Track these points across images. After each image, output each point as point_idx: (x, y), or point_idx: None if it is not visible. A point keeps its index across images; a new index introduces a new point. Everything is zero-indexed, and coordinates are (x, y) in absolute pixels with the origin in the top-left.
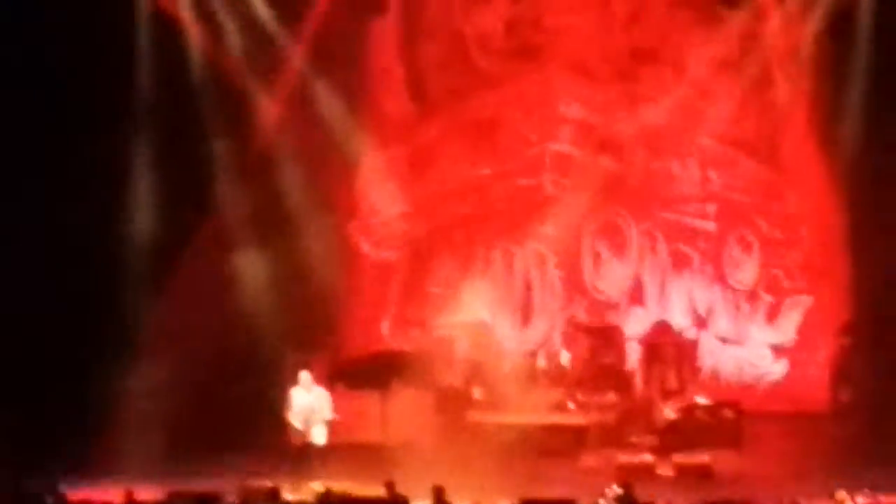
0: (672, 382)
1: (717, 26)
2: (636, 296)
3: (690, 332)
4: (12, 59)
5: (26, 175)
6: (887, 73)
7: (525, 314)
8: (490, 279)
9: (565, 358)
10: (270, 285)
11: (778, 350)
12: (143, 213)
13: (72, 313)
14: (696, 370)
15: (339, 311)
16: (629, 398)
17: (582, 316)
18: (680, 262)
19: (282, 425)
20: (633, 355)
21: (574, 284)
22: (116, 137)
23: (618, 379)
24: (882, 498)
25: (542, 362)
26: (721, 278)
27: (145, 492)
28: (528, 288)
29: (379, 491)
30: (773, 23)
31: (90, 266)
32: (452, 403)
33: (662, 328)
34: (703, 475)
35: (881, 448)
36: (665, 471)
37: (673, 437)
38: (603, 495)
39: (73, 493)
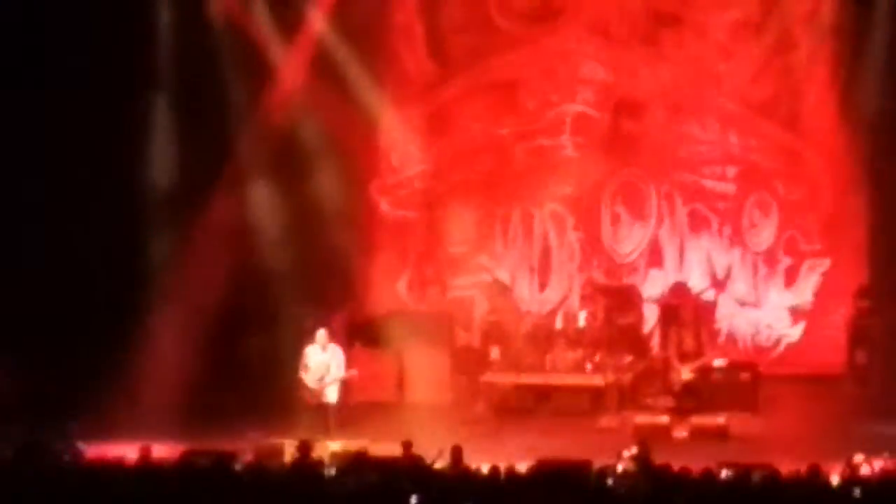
0: (689, 344)
1: None
2: (654, 257)
3: (708, 294)
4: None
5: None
6: None
7: (543, 275)
8: (509, 239)
9: (583, 319)
10: (289, 243)
11: (795, 312)
12: (162, 173)
13: (88, 271)
14: (713, 332)
15: (357, 270)
16: (646, 359)
17: (600, 277)
18: (698, 224)
19: (296, 384)
20: (651, 317)
21: (592, 245)
22: (138, 98)
23: (635, 340)
24: None
25: (559, 323)
26: (739, 240)
27: (161, 449)
28: (546, 249)
29: (395, 450)
30: None
31: (105, 223)
32: (469, 364)
33: (680, 290)
34: (720, 437)
35: None
36: (681, 432)
37: (689, 399)
38: (619, 456)
39: (90, 450)
